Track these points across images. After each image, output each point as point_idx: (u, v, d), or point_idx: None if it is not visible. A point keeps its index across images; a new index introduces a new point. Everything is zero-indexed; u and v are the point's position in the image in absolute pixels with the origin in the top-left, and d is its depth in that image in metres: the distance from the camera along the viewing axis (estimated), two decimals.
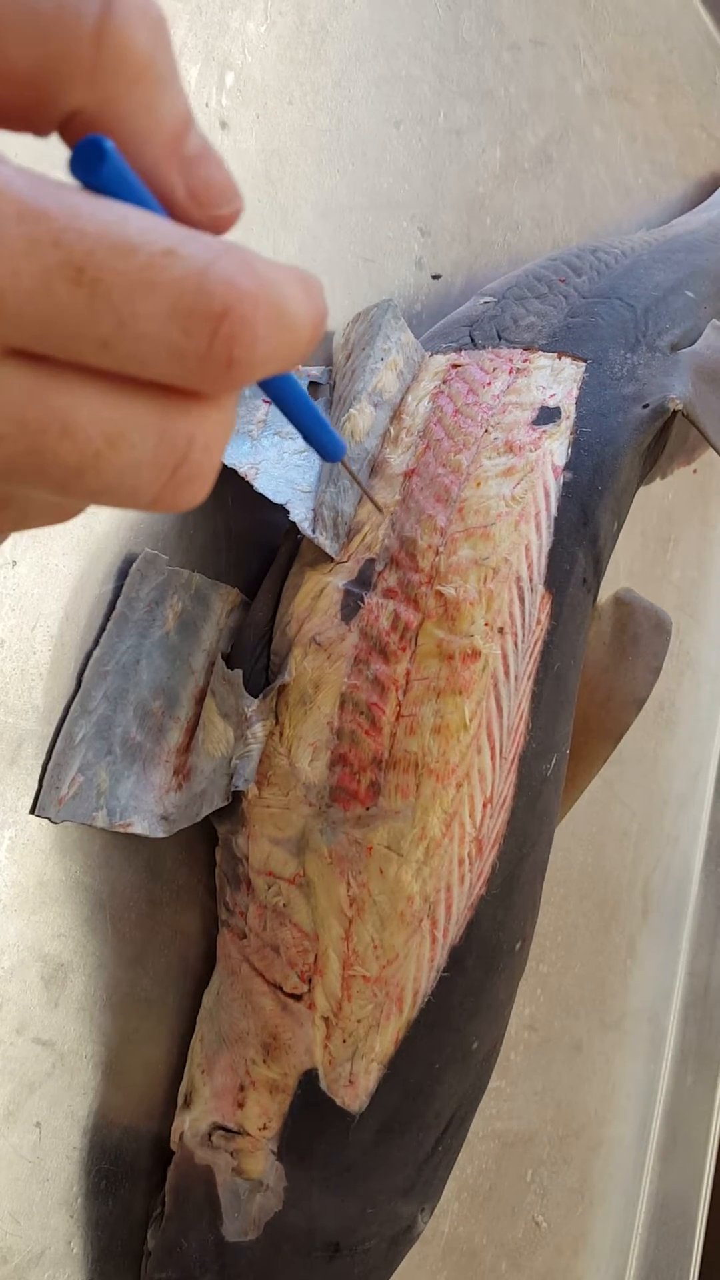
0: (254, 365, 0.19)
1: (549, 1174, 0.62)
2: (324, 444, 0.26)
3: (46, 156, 0.23)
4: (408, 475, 0.42)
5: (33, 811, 0.38)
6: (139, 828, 0.40)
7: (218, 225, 0.21)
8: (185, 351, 0.18)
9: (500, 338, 0.47)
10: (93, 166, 0.18)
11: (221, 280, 0.18)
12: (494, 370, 0.45)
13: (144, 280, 0.18)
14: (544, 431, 0.42)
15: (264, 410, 0.44)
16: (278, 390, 0.25)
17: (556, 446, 0.42)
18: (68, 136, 0.19)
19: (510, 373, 0.44)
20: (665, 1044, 0.72)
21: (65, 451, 0.19)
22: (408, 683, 0.39)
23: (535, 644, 0.40)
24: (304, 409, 0.25)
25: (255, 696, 0.40)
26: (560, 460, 0.41)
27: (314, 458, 0.43)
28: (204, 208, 0.21)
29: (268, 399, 0.44)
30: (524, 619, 0.39)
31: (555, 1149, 0.62)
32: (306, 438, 0.26)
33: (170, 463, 0.20)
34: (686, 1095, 0.71)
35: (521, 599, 0.40)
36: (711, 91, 0.75)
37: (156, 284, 0.18)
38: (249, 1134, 0.40)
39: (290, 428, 0.43)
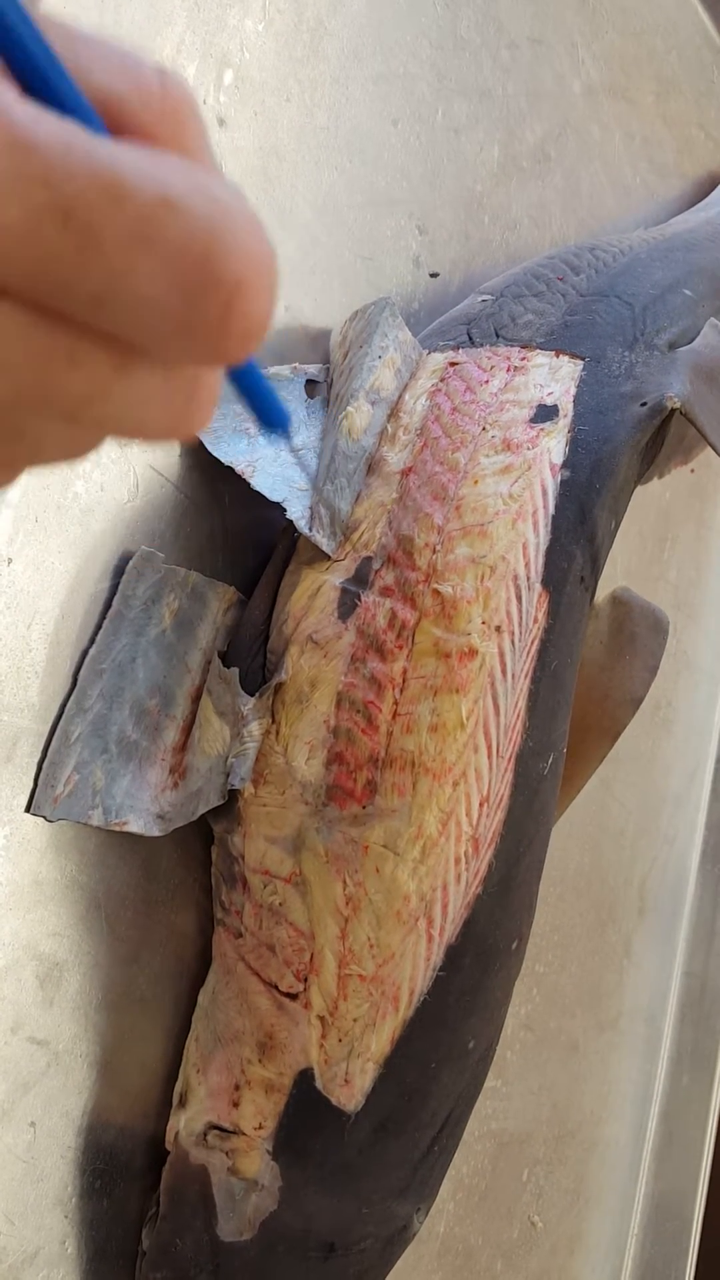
0: (260, 335, 0.17)
1: (545, 1174, 0.62)
2: (265, 411, 0.24)
3: None
4: (405, 473, 0.42)
5: (28, 810, 0.38)
6: (135, 826, 0.40)
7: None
8: (190, 324, 0.17)
9: (498, 336, 0.47)
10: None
11: (234, 248, 0.16)
12: (492, 368, 0.45)
13: (139, 235, 0.16)
14: (542, 429, 0.42)
15: None
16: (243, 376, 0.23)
17: (554, 445, 0.42)
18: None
19: (508, 371, 0.44)
20: (661, 1044, 0.72)
21: (73, 381, 0.18)
22: (404, 681, 0.39)
23: (532, 642, 0.40)
24: (246, 372, 0.23)
25: (252, 695, 0.40)
26: (558, 458, 0.41)
27: (311, 456, 0.43)
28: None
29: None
30: (521, 617, 0.39)
31: (551, 1149, 0.62)
32: (249, 403, 0.24)
33: (181, 394, 0.19)
34: (682, 1095, 0.71)
35: (519, 597, 0.39)
36: (709, 91, 0.75)
37: (154, 241, 0.16)
38: (244, 1133, 0.40)
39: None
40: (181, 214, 0.16)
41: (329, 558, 0.41)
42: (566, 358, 0.45)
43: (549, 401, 0.43)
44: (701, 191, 0.72)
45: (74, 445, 0.20)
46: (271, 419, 0.22)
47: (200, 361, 0.18)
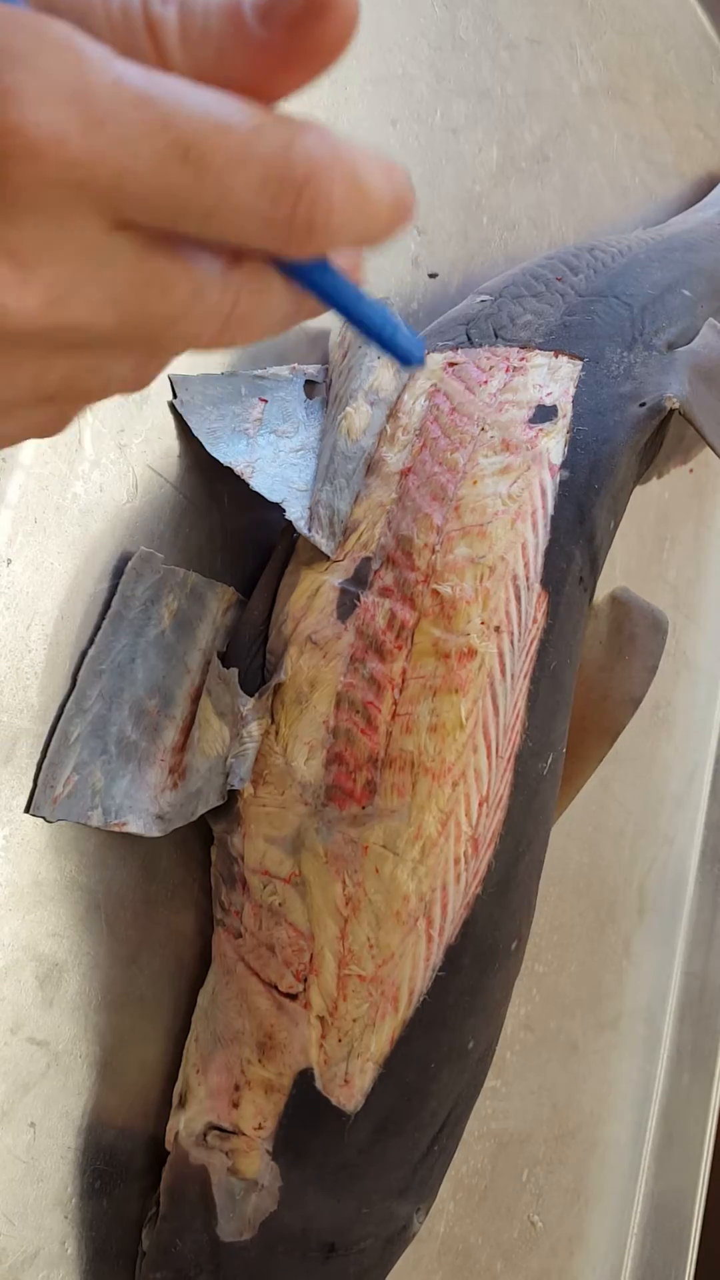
0: (331, 231, 0.21)
1: (545, 1174, 0.62)
2: (400, 348, 0.26)
3: None
4: (404, 474, 0.42)
5: (28, 810, 0.38)
6: (134, 827, 0.40)
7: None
8: (274, 220, 0.20)
9: (497, 336, 0.47)
10: None
11: (303, 151, 0.20)
12: (491, 369, 0.45)
13: (240, 155, 0.19)
14: (540, 430, 0.42)
15: (260, 408, 0.44)
16: (341, 298, 0.24)
17: (553, 445, 0.42)
18: None
19: (507, 371, 0.44)
20: (661, 1044, 0.72)
21: (164, 305, 0.21)
22: (404, 681, 0.39)
23: (531, 643, 0.40)
24: (372, 312, 0.25)
25: (251, 695, 0.40)
26: (557, 459, 0.41)
27: (310, 457, 0.43)
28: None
29: (264, 398, 0.44)
30: (520, 618, 0.39)
31: (551, 1149, 0.62)
32: (381, 344, 0.25)
33: (228, 309, 0.22)
34: (682, 1095, 0.71)
35: (518, 597, 0.39)
36: (708, 91, 0.75)
37: (249, 158, 0.20)
38: (244, 1134, 0.40)
39: (287, 425, 0.43)
40: (269, 132, 0.20)
41: (328, 558, 0.41)
42: (565, 358, 0.45)
43: (548, 402, 0.43)
44: (700, 192, 0.72)
45: (135, 380, 0.24)
46: (406, 355, 0.25)
47: (285, 250, 0.21)
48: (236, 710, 0.40)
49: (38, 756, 0.39)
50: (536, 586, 0.40)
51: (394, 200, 0.22)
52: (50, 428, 0.24)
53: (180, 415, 0.42)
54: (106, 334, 0.21)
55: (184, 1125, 0.41)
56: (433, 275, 0.53)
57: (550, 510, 0.41)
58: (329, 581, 0.41)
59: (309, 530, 0.41)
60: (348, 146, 0.21)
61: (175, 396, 0.42)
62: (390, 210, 0.22)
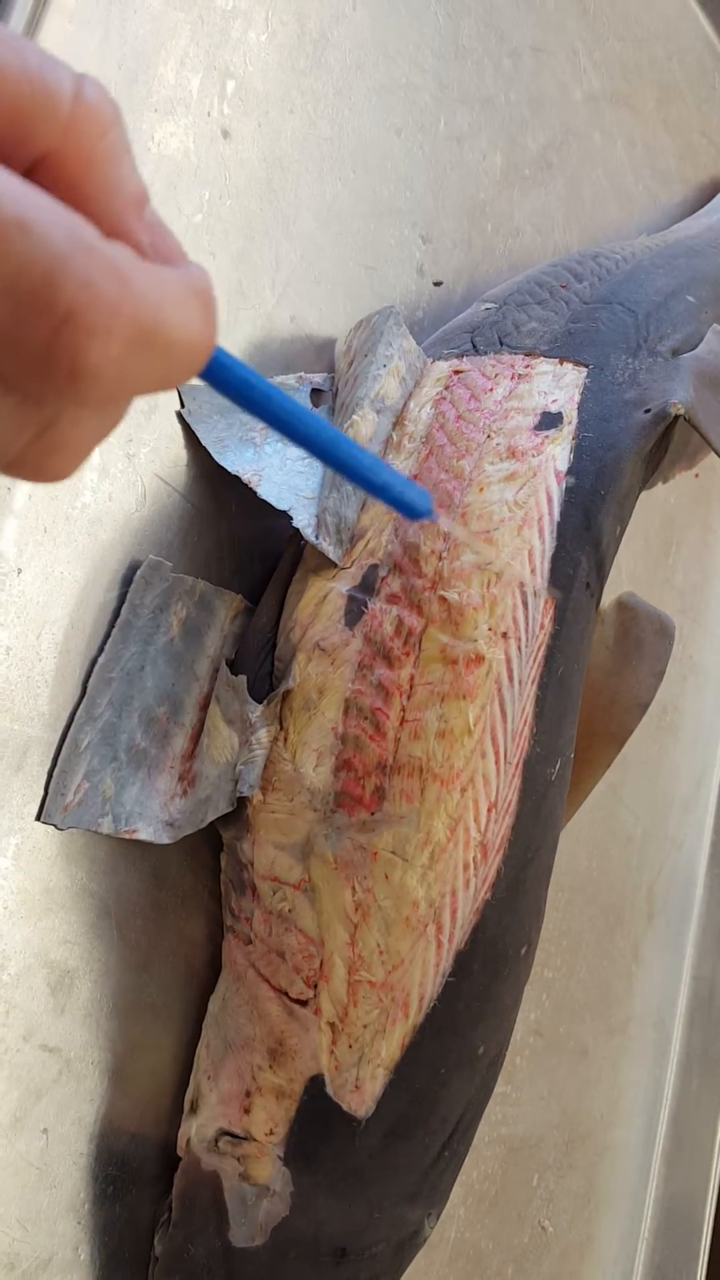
0: (105, 382, 0.17)
1: (555, 1179, 0.62)
2: (407, 502, 0.25)
3: None
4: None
5: (39, 818, 0.38)
6: (144, 834, 0.40)
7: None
8: (18, 341, 0.17)
9: (502, 344, 0.47)
10: None
11: (77, 280, 0.16)
12: (496, 376, 0.45)
13: None
14: (546, 437, 0.42)
15: None
16: (342, 458, 0.23)
17: (559, 451, 0.42)
18: (37, 178, 0.19)
19: (512, 378, 0.45)
20: (671, 1048, 0.72)
21: None
22: (411, 688, 0.39)
23: (539, 648, 0.40)
24: (373, 471, 0.23)
25: (259, 702, 0.40)
26: (562, 465, 0.42)
27: (317, 465, 0.43)
28: (167, 263, 0.20)
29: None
30: (527, 624, 0.40)
31: (561, 1154, 0.62)
32: (386, 500, 0.24)
33: (34, 425, 0.18)
34: (692, 1099, 0.71)
35: (525, 604, 0.40)
36: (711, 97, 0.75)
37: None
38: (255, 1139, 0.40)
39: None
40: (34, 237, 0.16)
41: (335, 565, 0.41)
42: (570, 365, 0.45)
43: (553, 409, 0.43)
44: (704, 197, 0.72)
45: None
46: (414, 508, 0.24)
47: (30, 388, 0.18)
48: (245, 717, 0.40)
49: (48, 764, 0.39)
50: (543, 592, 0.40)
51: (202, 342, 0.19)
52: None
53: (188, 424, 0.43)
54: None
55: (195, 1131, 0.41)
56: (438, 283, 0.54)
57: (556, 516, 0.41)
58: (336, 588, 0.41)
59: (316, 538, 0.41)
60: (151, 280, 0.17)
61: (183, 406, 0.43)
62: (199, 354, 0.19)
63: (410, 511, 0.24)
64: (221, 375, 0.21)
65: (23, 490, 0.38)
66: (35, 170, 0.19)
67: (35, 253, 0.16)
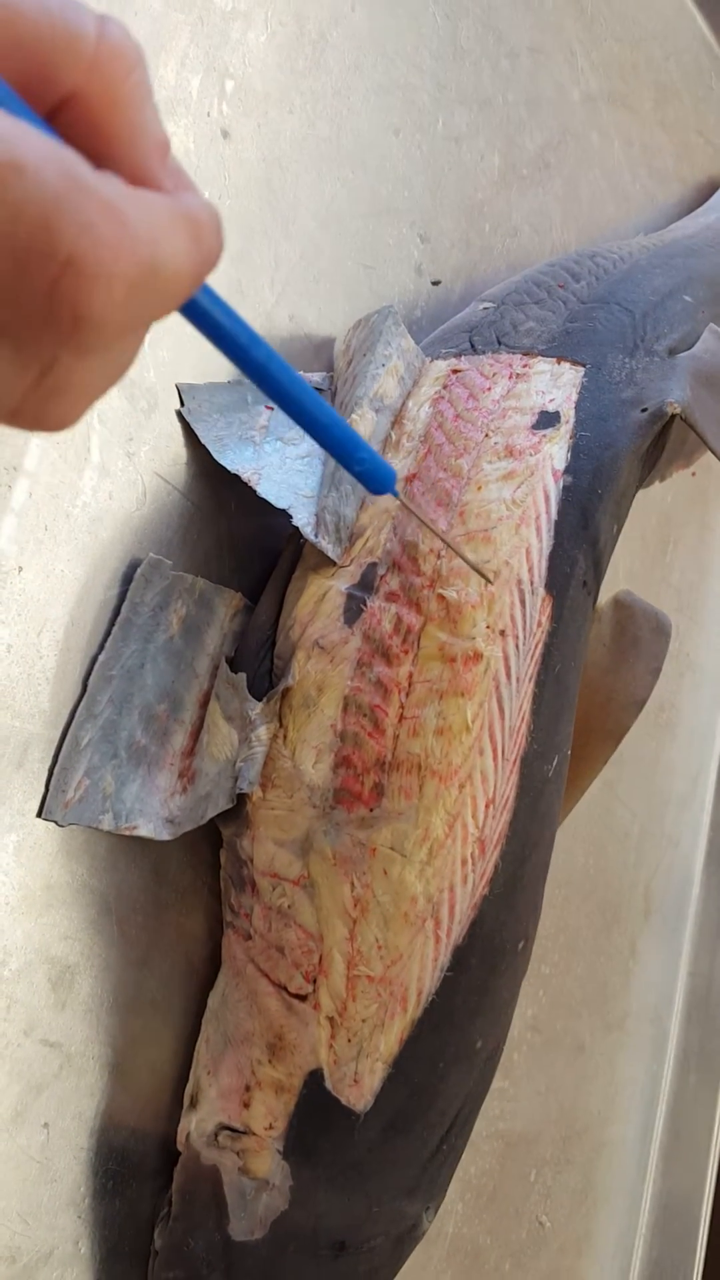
0: (107, 328, 0.17)
1: (553, 1174, 0.62)
2: (370, 475, 0.25)
3: None
4: (409, 480, 0.43)
5: (39, 815, 0.39)
6: (144, 830, 0.40)
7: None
8: (17, 292, 0.16)
9: (500, 343, 0.47)
10: None
11: (77, 223, 0.16)
12: (494, 375, 0.45)
13: None
14: (544, 436, 0.42)
15: (266, 416, 0.44)
16: (321, 429, 0.24)
17: (556, 450, 0.42)
18: (62, 120, 0.19)
19: (510, 378, 0.45)
20: (668, 1045, 0.72)
21: None
22: (410, 685, 0.39)
23: (536, 646, 0.40)
24: (342, 438, 0.23)
25: (259, 700, 0.40)
26: (560, 464, 0.42)
27: (316, 463, 0.43)
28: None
29: (270, 405, 0.44)
30: (525, 621, 0.40)
31: (559, 1149, 0.63)
32: (350, 470, 0.25)
33: (33, 370, 0.18)
34: (689, 1095, 0.71)
35: (522, 602, 0.40)
36: (708, 97, 0.75)
37: None
38: (255, 1134, 0.40)
39: (293, 432, 0.44)
40: (29, 180, 0.15)
41: (334, 563, 0.42)
42: (568, 364, 0.45)
43: (551, 408, 0.43)
44: (701, 197, 0.73)
45: None
46: (376, 482, 0.24)
47: (27, 335, 0.17)
48: (245, 714, 0.41)
49: (49, 761, 0.39)
50: (541, 590, 0.40)
51: (203, 262, 0.18)
52: None
53: (187, 423, 0.43)
54: None
55: (195, 1126, 0.41)
56: (436, 283, 0.54)
57: (554, 515, 0.41)
58: (335, 586, 0.41)
59: (315, 536, 0.41)
60: (146, 211, 0.17)
61: (182, 404, 0.43)
62: (199, 274, 0.19)
63: (372, 484, 0.24)
64: (201, 312, 0.21)
65: (23, 488, 0.39)
66: (60, 111, 0.19)
67: (31, 194, 0.15)
